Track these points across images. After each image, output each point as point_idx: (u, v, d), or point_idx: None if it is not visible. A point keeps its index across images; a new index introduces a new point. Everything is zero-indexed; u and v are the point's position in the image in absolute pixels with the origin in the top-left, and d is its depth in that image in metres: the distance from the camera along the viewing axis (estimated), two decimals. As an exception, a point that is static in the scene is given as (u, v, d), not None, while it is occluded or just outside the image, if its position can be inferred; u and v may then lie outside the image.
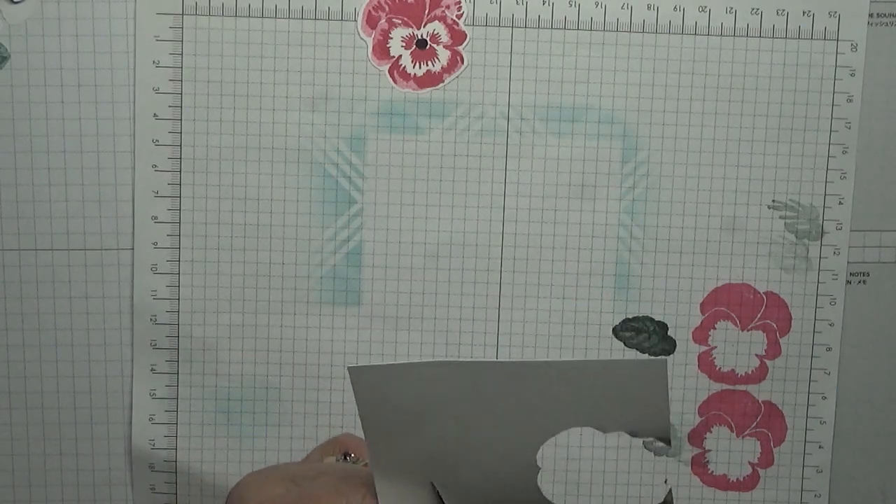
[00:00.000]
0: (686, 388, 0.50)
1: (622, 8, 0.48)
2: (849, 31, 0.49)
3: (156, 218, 0.49)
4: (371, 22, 0.48)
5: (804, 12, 0.49)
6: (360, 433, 0.42)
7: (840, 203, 0.50)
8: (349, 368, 0.33)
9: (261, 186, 0.49)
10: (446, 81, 0.49)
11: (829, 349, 0.50)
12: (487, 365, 0.36)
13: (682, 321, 0.50)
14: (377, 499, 0.40)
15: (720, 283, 0.50)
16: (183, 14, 0.48)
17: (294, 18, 0.48)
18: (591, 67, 0.49)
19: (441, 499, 0.37)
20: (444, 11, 0.48)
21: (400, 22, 0.48)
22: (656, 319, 0.50)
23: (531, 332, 0.50)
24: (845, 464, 0.51)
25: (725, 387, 0.50)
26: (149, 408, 0.49)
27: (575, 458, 0.50)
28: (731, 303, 0.50)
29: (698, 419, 0.51)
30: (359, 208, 0.49)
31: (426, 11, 0.48)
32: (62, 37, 0.47)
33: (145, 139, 0.48)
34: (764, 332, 0.50)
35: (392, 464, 0.35)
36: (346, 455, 0.45)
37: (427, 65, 0.48)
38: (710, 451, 0.51)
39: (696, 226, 0.50)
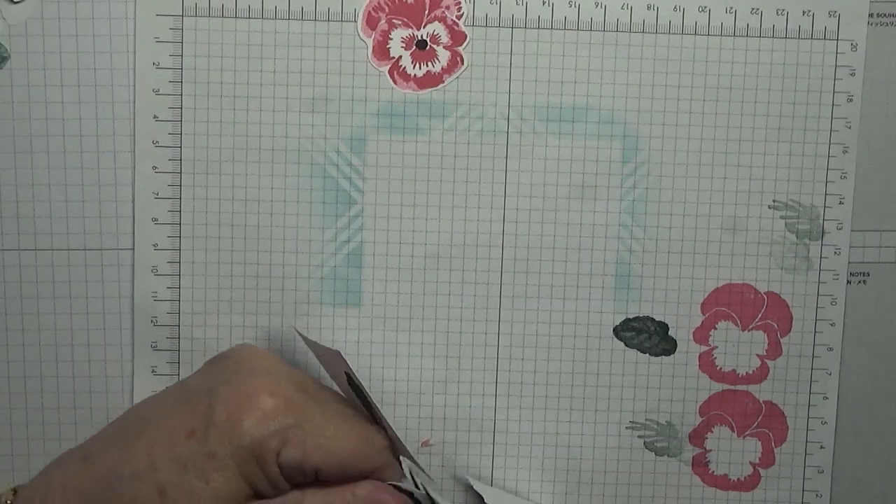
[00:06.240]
0: (687, 388, 0.50)
1: (622, 8, 0.48)
2: (849, 31, 0.49)
3: (156, 220, 0.49)
4: (371, 23, 0.48)
5: (804, 12, 0.49)
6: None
7: (840, 203, 0.50)
8: None
9: (261, 188, 0.49)
10: (446, 82, 0.49)
11: (830, 349, 0.50)
12: None
13: (682, 321, 0.50)
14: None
15: (721, 283, 0.50)
16: (183, 15, 0.48)
17: (294, 19, 0.48)
18: (591, 67, 0.49)
19: None
20: (443, 12, 0.48)
21: (400, 23, 0.48)
22: (657, 319, 0.50)
23: (531, 333, 0.50)
24: (846, 464, 0.51)
25: (726, 387, 0.50)
26: (149, 409, 0.49)
27: (575, 458, 0.50)
28: (732, 303, 0.50)
29: (699, 419, 0.50)
30: (359, 209, 0.49)
31: (426, 12, 0.48)
32: (62, 37, 0.47)
33: (145, 141, 0.48)
34: (765, 332, 0.50)
35: None
36: None
37: (427, 65, 0.48)
38: (710, 451, 0.51)
39: (696, 226, 0.50)
